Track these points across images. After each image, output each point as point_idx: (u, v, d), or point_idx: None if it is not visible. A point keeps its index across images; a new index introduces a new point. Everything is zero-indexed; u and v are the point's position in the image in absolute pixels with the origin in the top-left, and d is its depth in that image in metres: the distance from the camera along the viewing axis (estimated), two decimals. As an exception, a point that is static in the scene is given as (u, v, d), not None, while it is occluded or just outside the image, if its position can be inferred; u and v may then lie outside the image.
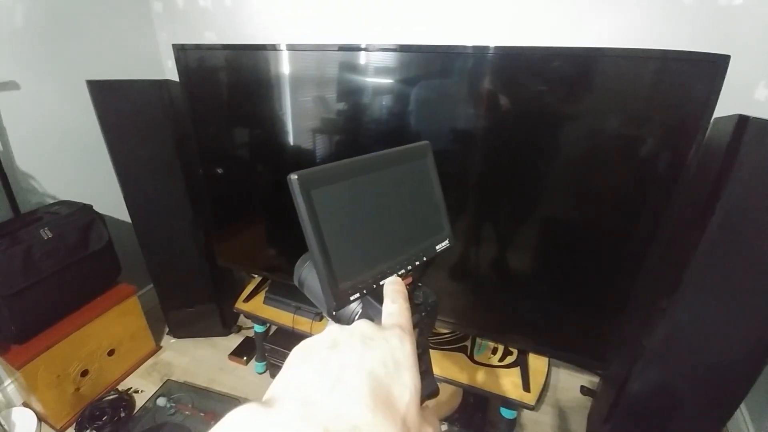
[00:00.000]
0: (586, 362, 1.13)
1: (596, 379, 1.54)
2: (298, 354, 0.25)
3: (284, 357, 1.31)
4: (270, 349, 1.52)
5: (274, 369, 1.59)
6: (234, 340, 1.81)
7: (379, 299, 0.37)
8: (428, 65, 0.98)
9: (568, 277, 1.02)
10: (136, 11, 1.67)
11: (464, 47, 0.91)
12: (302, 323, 1.40)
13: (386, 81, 1.02)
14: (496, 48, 0.87)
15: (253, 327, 1.57)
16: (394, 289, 0.32)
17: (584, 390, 1.46)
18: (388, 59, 0.99)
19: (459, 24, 1.25)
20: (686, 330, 0.95)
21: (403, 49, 0.96)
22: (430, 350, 0.49)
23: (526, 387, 1.10)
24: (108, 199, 1.60)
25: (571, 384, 1.56)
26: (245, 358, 1.70)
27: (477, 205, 1.06)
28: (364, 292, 0.31)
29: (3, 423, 1.33)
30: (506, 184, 1.00)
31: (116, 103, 1.33)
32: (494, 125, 0.96)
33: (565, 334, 1.08)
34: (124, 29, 1.64)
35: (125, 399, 1.49)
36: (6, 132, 1.33)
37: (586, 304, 1.04)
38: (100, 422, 1.38)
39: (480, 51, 0.89)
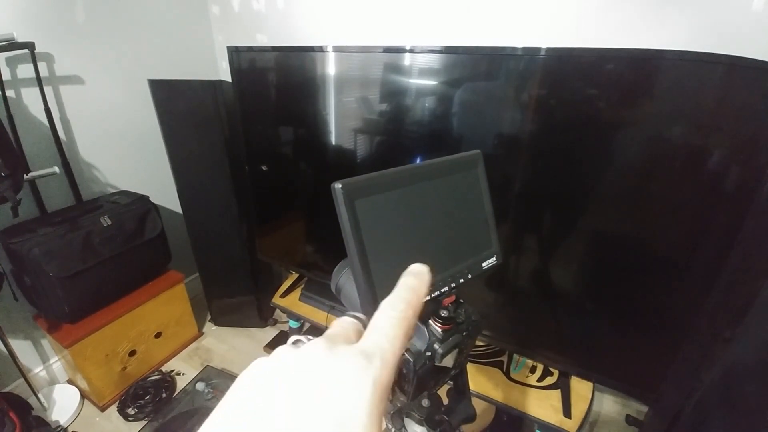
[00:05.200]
0: (634, 391, 1.04)
1: (644, 408, 1.42)
2: (231, 398, 0.19)
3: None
4: (303, 345, 1.55)
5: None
6: (270, 333, 1.86)
7: (421, 318, 0.35)
8: (474, 67, 0.94)
9: (621, 298, 0.95)
10: (195, 14, 1.76)
11: (513, 49, 0.87)
12: (335, 323, 1.41)
13: (430, 83, 1.00)
14: (548, 49, 0.83)
15: (288, 322, 1.60)
16: (405, 283, 0.23)
17: (630, 420, 1.35)
18: (432, 61, 0.97)
19: (506, 24, 1.20)
20: (750, 364, 0.85)
21: (448, 50, 0.94)
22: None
23: (567, 413, 1.03)
24: (162, 190, 1.70)
25: (615, 411, 1.46)
26: (279, 351, 1.74)
27: (521, 213, 1.01)
28: (404, 309, 0.30)
29: (42, 400, 1.41)
30: (554, 193, 0.95)
31: (174, 101, 1.41)
32: (543, 131, 0.91)
33: (613, 359, 1.01)
34: (184, 31, 1.74)
35: (168, 380, 1.57)
36: (70, 124, 1.45)
37: (640, 328, 0.95)
38: (142, 401, 1.47)
39: (530, 52, 0.85)
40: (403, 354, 0.36)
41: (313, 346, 0.20)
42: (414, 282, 0.24)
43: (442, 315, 0.35)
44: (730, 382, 0.88)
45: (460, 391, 0.44)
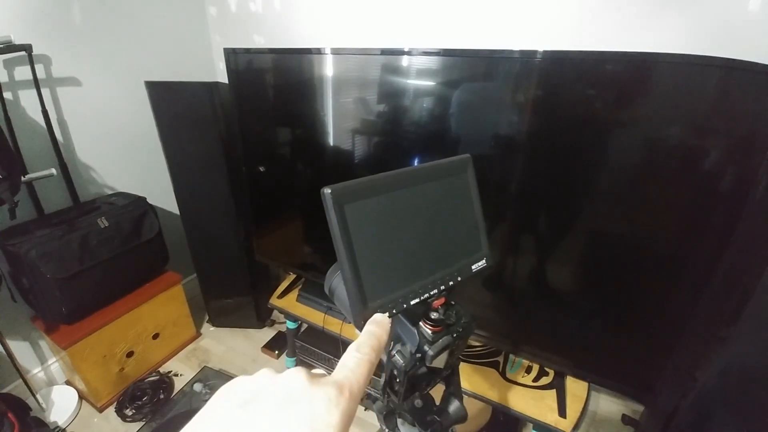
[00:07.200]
0: (630, 391, 1.04)
1: (640, 408, 1.42)
2: (212, 403, 0.22)
3: (314, 355, 1.31)
4: (300, 346, 1.55)
5: (304, 366, 1.61)
6: (267, 333, 1.87)
7: (410, 319, 0.36)
8: (472, 70, 0.95)
9: (616, 297, 0.95)
10: (193, 15, 1.77)
11: (510, 52, 0.87)
12: (332, 324, 1.41)
13: (427, 85, 1.00)
14: (545, 53, 0.83)
15: (285, 322, 1.61)
16: (369, 330, 0.27)
17: (626, 419, 1.36)
18: (430, 63, 0.97)
19: (503, 27, 1.21)
20: (747, 364, 0.85)
21: (446, 53, 0.94)
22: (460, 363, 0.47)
23: (562, 412, 1.04)
24: (159, 191, 1.71)
25: (611, 410, 1.46)
26: (277, 351, 1.75)
27: (517, 214, 1.01)
28: (394, 311, 0.30)
29: (41, 401, 1.41)
30: (550, 194, 0.95)
31: (171, 102, 1.42)
32: (540, 133, 0.91)
33: (608, 359, 1.01)
34: (181, 32, 1.74)
35: (165, 381, 1.58)
36: (67, 125, 1.45)
37: (635, 327, 0.96)
38: (140, 402, 1.47)
39: (527, 56, 0.85)
40: (394, 355, 0.37)
41: (295, 371, 0.24)
42: (376, 329, 0.27)
43: (432, 317, 0.36)
44: (726, 381, 0.88)
45: (452, 392, 0.44)
